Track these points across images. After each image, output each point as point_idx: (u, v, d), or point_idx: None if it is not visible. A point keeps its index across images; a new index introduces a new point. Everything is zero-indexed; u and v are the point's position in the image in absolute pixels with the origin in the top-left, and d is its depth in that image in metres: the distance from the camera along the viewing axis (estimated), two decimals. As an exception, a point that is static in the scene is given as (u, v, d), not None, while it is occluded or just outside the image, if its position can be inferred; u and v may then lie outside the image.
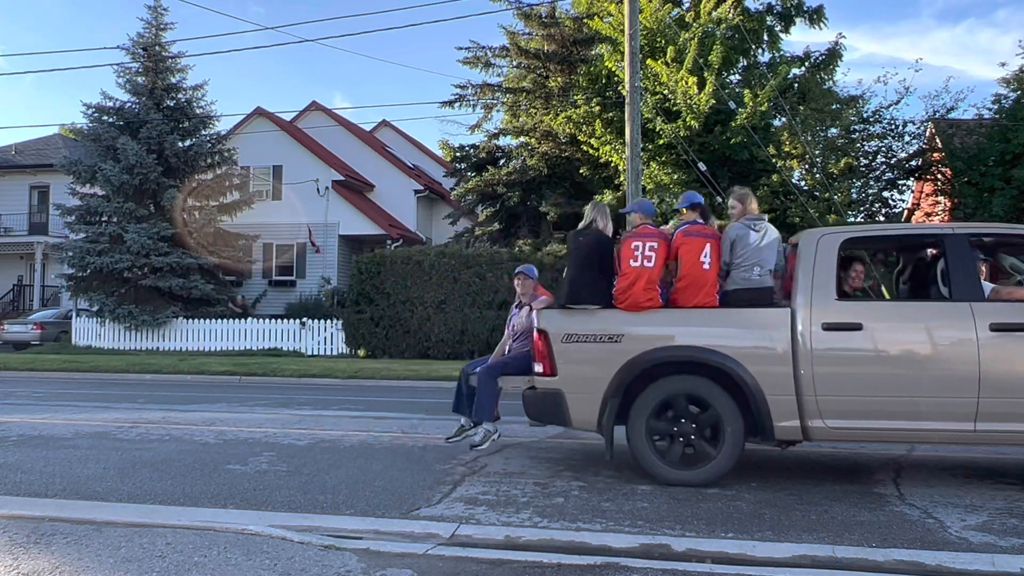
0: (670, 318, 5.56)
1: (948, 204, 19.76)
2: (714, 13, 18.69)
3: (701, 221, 5.83)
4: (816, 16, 20.24)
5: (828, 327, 5.23)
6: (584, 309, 5.65)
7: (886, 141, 19.70)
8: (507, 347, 6.72)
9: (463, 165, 27.48)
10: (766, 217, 5.89)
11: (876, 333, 5.20)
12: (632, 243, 5.62)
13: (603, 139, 19.70)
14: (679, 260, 5.61)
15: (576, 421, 5.57)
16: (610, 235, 5.98)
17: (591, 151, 20.59)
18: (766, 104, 17.62)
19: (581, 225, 6.01)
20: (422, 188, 31.09)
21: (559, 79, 24.34)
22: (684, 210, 5.97)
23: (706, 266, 5.54)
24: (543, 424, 6.11)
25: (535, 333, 5.75)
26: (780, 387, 5.20)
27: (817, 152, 18.42)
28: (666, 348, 5.41)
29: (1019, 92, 18.43)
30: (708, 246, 5.56)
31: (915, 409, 5.08)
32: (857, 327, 5.21)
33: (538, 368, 5.67)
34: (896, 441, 5.80)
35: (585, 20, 22.78)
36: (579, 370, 5.53)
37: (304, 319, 22.26)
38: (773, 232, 5.67)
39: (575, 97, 22.28)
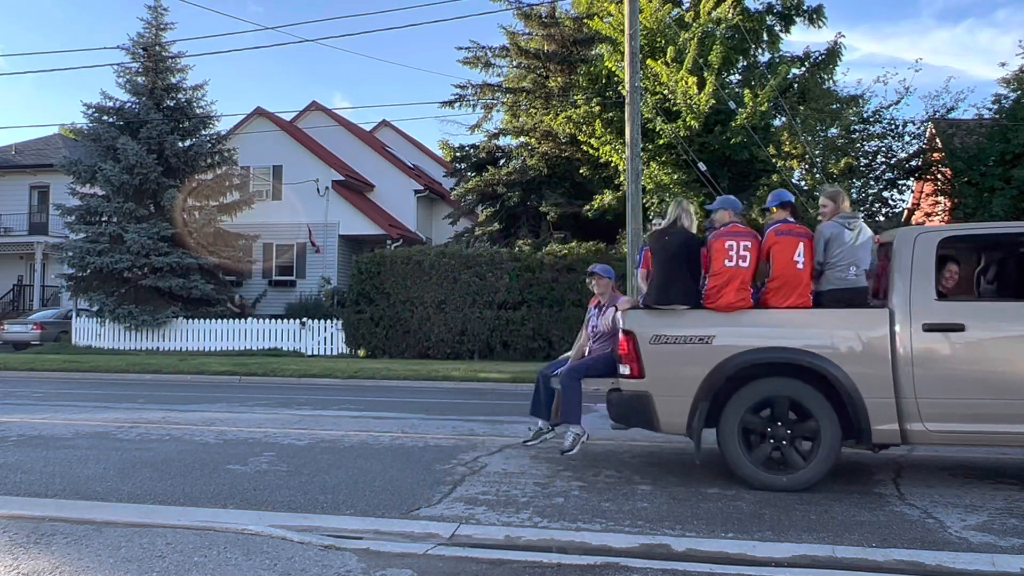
0: (764, 319, 5.43)
1: (948, 204, 19.76)
2: (714, 13, 18.68)
3: (792, 219, 5.68)
4: (816, 16, 20.22)
5: (929, 328, 5.14)
6: (672, 309, 5.54)
7: (886, 141, 19.69)
8: (587, 349, 6.52)
9: (463, 165, 27.49)
10: (860, 216, 5.71)
11: (979, 334, 5.09)
12: (726, 242, 5.48)
13: (603, 139, 19.70)
14: (771, 259, 5.47)
15: (664, 424, 5.45)
16: (695, 232, 5.85)
17: (591, 151, 20.58)
18: (766, 104, 17.61)
19: (664, 223, 5.88)
20: (422, 188, 31.09)
21: (559, 79, 24.33)
22: (773, 208, 5.81)
23: (800, 265, 5.40)
24: (627, 427, 6.01)
25: (621, 334, 5.64)
26: (879, 390, 5.10)
27: (817, 152, 18.41)
28: (760, 350, 5.29)
29: (1019, 92, 18.41)
30: (802, 245, 5.42)
31: (1020, 412, 4.98)
32: (959, 328, 5.11)
33: (624, 370, 5.55)
34: (998, 445, 5.60)
35: (585, 20, 22.77)
36: (668, 372, 5.42)
37: (304, 319, 22.26)
38: (867, 231, 5.53)
39: (575, 97, 22.28)
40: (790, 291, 5.39)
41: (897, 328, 5.18)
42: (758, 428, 5.32)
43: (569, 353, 6.98)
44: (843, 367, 5.13)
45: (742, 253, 5.43)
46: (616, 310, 5.86)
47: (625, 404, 5.61)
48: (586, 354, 6.48)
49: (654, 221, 7.52)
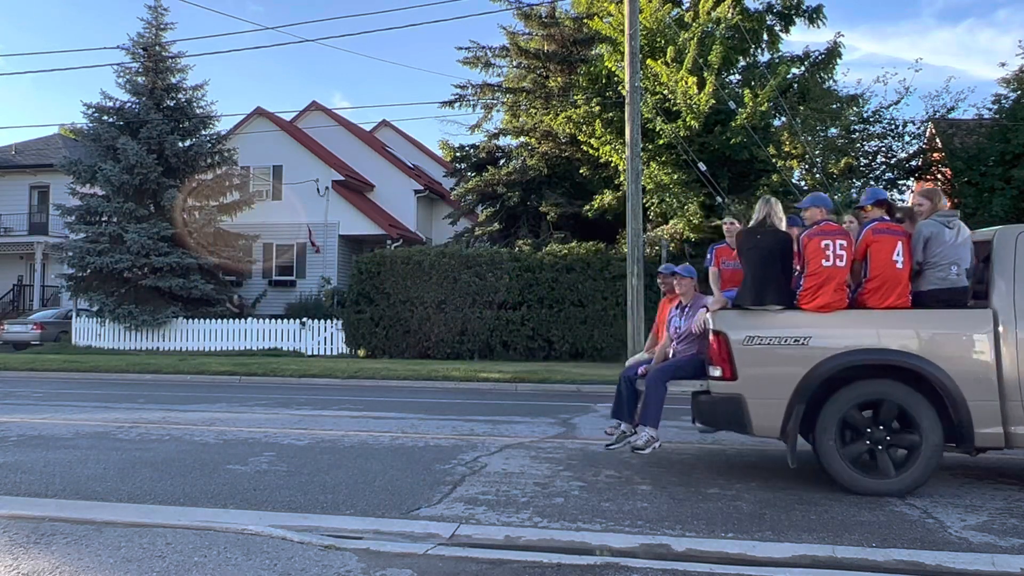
0: (863, 320, 5.29)
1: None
2: (713, 13, 18.69)
3: (888, 218, 5.55)
4: (815, 16, 20.23)
5: None
6: (765, 310, 5.42)
7: (886, 141, 19.73)
8: (670, 350, 6.36)
9: (463, 165, 27.50)
10: (958, 213, 5.60)
11: None
12: (821, 241, 5.35)
13: (603, 139, 19.71)
14: (868, 259, 5.35)
15: (757, 427, 5.32)
16: (785, 230, 5.71)
17: (591, 151, 20.59)
18: (766, 104, 17.62)
19: (753, 222, 5.76)
20: (422, 188, 31.09)
21: (559, 79, 24.34)
22: (868, 207, 5.63)
23: (899, 265, 5.27)
24: (715, 430, 5.91)
25: (711, 335, 5.50)
26: (983, 392, 4.99)
27: (817, 152, 18.43)
28: (859, 351, 5.16)
29: (1019, 92, 18.43)
30: (900, 244, 5.29)
31: None
32: None
33: (715, 372, 5.43)
34: None
35: (585, 20, 22.79)
36: (762, 374, 5.28)
37: (304, 319, 22.26)
38: (966, 230, 5.41)
39: (575, 97, 22.29)
40: (889, 291, 5.26)
41: (1001, 329, 5.06)
42: (857, 431, 5.18)
43: (640, 355, 6.86)
44: (946, 370, 5.01)
45: (839, 252, 5.31)
46: (707, 310, 5.73)
47: (715, 407, 5.49)
48: (669, 356, 6.32)
49: (726, 219, 7.39)
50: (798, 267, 5.57)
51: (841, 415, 5.18)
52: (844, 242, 5.35)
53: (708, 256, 7.03)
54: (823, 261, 5.30)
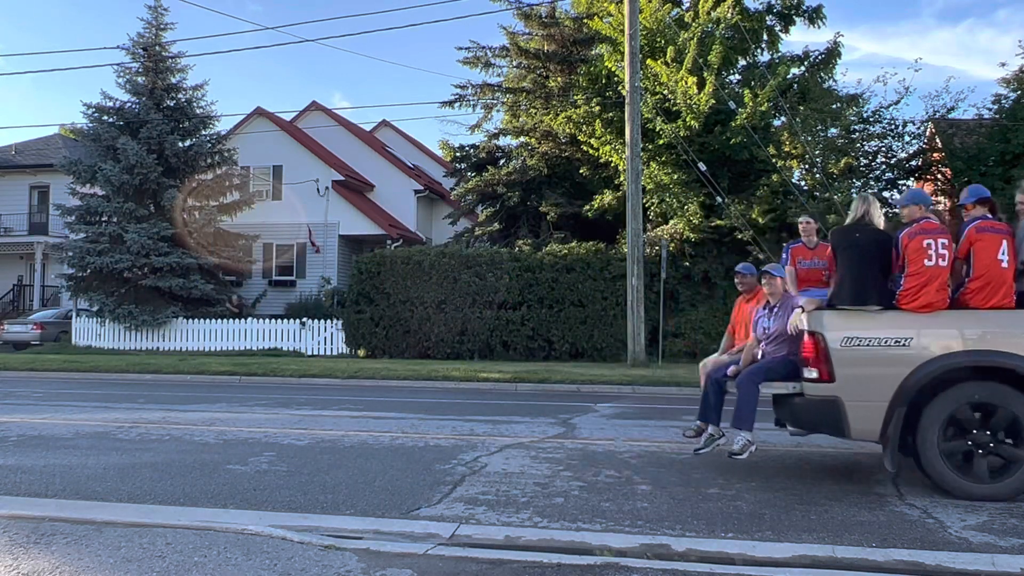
0: (967, 321, 5.15)
1: (948, 204, 19.76)
2: (713, 13, 18.70)
3: (991, 216, 5.43)
4: (815, 16, 20.25)
5: None
6: (863, 310, 5.29)
7: (886, 141, 19.71)
8: (758, 351, 6.17)
9: (463, 165, 27.50)
10: None
11: None
12: (923, 240, 5.21)
13: (603, 139, 19.71)
14: (972, 258, 5.24)
15: (855, 431, 5.19)
16: (884, 229, 5.58)
17: (591, 151, 20.60)
18: (766, 104, 17.62)
19: (850, 219, 5.63)
20: (422, 188, 31.09)
21: (559, 79, 24.34)
22: (969, 205, 5.53)
23: (1004, 264, 5.15)
24: (808, 433, 5.78)
25: (807, 336, 5.36)
26: None
27: (817, 152, 18.42)
28: (965, 353, 5.04)
29: (1019, 92, 18.42)
30: (1005, 243, 5.19)
31: None
32: None
33: (811, 374, 5.29)
34: None
35: (585, 20, 22.80)
36: (861, 376, 5.15)
37: (304, 319, 22.26)
38: None
39: (575, 97, 22.29)
40: (994, 291, 5.15)
41: None
42: (961, 435, 5.07)
43: (720, 357, 6.67)
44: None
45: (941, 252, 5.18)
46: (803, 310, 5.59)
47: (811, 409, 5.36)
48: (758, 357, 6.15)
49: (802, 218, 7.26)
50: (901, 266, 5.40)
51: (945, 419, 5.03)
52: (946, 241, 5.20)
53: (783, 255, 6.88)
54: (925, 261, 5.16)
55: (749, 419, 5.75)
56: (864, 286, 5.32)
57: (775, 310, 6.07)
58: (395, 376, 14.56)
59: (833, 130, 18.85)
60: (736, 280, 6.97)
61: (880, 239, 5.45)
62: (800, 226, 7.13)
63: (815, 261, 6.86)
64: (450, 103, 26.35)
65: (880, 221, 5.56)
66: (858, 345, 5.18)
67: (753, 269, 6.83)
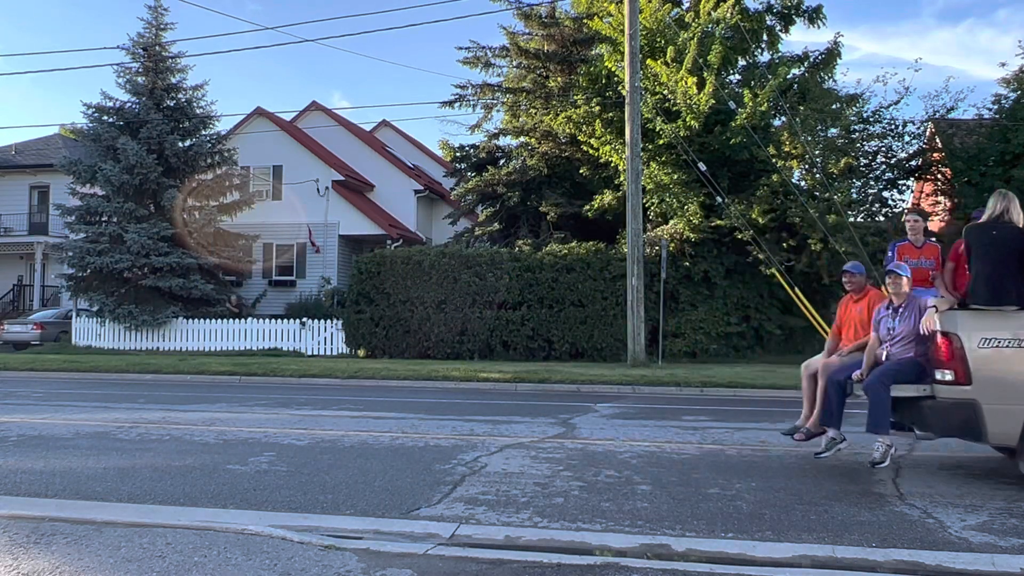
0: None
1: (948, 204, 19.77)
2: (713, 13, 18.70)
3: None
4: (815, 16, 20.25)
5: None
6: (999, 311, 5.15)
7: (886, 141, 19.70)
8: (882, 353, 5.95)
9: (463, 165, 27.49)
10: None
11: None
12: None
13: (603, 139, 19.71)
14: None
15: (992, 435, 5.07)
16: (1022, 226, 5.43)
17: (591, 151, 20.59)
18: (766, 104, 17.62)
19: (986, 216, 5.49)
20: (422, 188, 31.09)
21: (559, 79, 24.34)
22: None
23: None
24: (938, 436, 5.65)
25: (939, 337, 5.23)
26: None
27: (817, 152, 18.42)
28: None
29: (1019, 92, 18.43)
30: None
31: None
32: None
33: (945, 376, 5.17)
34: None
35: (585, 20, 22.79)
36: (1001, 379, 5.01)
37: (304, 319, 22.26)
38: None
39: (575, 97, 22.29)
40: None
41: None
42: None
43: (830, 358, 6.45)
44: None
45: None
46: (935, 309, 5.47)
47: (944, 413, 5.23)
48: (881, 359, 5.95)
49: (910, 216, 6.95)
50: None
51: None
52: None
53: (889, 253, 6.70)
54: None
55: (885, 424, 5.61)
56: (1002, 285, 5.18)
57: (900, 310, 5.90)
58: (395, 376, 14.55)
59: (833, 130, 18.85)
60: (844, 279, 6.71)
61: (1020, 236, 5.28)
62: (907, 224, 6.81)
63: (922, 260, 6.57)
64: (450, 103, 26.35)
65: (1019, 218, 5.42)
66: (998, 346, 5.05)
67: (862, 268, 6.63)
